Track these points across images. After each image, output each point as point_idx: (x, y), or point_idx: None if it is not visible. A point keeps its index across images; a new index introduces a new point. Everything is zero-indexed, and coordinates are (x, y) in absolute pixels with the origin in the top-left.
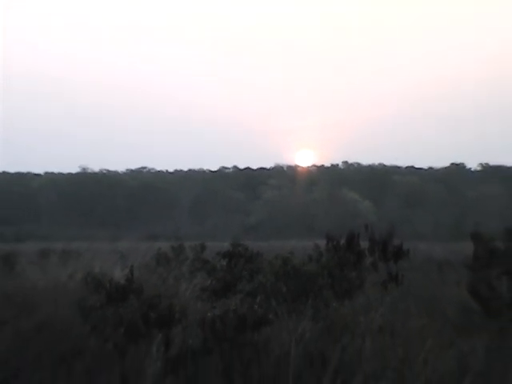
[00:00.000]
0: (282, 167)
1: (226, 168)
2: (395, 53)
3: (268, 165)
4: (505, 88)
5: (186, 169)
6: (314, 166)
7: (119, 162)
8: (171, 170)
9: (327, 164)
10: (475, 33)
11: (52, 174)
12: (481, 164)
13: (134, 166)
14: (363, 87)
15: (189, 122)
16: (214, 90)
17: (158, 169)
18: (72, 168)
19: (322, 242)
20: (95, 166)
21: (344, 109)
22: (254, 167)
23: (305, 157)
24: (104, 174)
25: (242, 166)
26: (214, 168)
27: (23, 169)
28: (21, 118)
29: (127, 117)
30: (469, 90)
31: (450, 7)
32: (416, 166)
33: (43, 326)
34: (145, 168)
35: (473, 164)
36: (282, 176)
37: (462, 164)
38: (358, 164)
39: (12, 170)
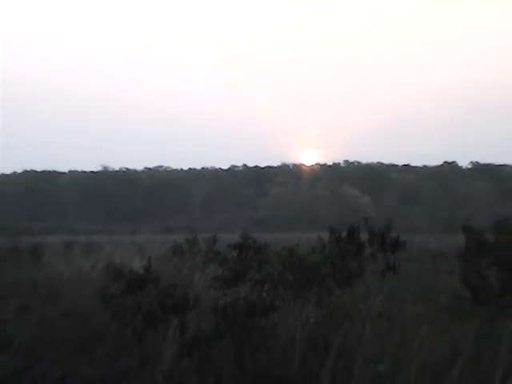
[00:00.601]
0: (287, 166)
1: (236, 166)
2: (392, 60)
3: (275, 163)
4: (495, 93)
5: (199, 167)
6: (318, 164)
7: (138, 161)
8: (186, 168)
9: (329, 162)
10: (472, 39)
11: (76, 172)
12: (471, 162)
13: (151, 165)
14: (363, 92)
15: (202, 125)
16: (225, 95)
17: (174, 167)
18: (94, 167)
19: (325, 235)
20: (115, 165)
21: (345, 112)
22: (262, 166)
23: (309, 156)
24: (124, 172)
25: (250, 165)
26: (225, 166)
27: (49, 167)
28: (47, 122)
29: (146, 120)
30: (461, 94)
31: (443, 13)
32: (412, 165)
33: (67, 313)
34: (161, 167)
35: (464, 162)
36: (288, 174)
37: (455, 162)
38: (358, 163)
39: (39, 168)
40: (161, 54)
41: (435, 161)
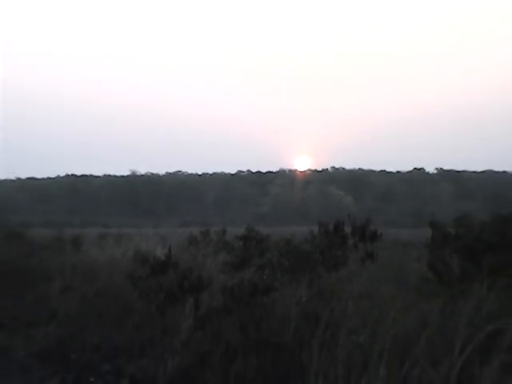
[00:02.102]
0: (284, 170)
1: (242, 171)
2: (373, 78)
3: (274, 169)
4: (458, 108)
5: (211, 172)
6: (309, 169)
7: (161, 167)
8: (200, 173)
9: (319, 168)
10: (440, 56)
11: (109, 175)
12: (437, 169)
13: (171, 170)
14: (348, 107)
15: (213, 136)
16: (233, 110)
17: (190, 172)
18: (124, 171)
19: (315, 228)
20: (142, 170)
21: (332, 125)
22: (264, 171)
23: (302, 163)
24: (149, 176)
25: (254, 170)
26: (233, 171)
27: (86, 171)
28: (85, 133)
29: (167, 133)
30: (430, 109)
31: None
32: (387, 170)
33: (102, 291)
34: (180, 171)
35: (430, 168)
36: (285, 177)
37: (423, 169)
38: (343, 168)
39: (78, 173)
40: (181, 69)
41: (406, 167)
